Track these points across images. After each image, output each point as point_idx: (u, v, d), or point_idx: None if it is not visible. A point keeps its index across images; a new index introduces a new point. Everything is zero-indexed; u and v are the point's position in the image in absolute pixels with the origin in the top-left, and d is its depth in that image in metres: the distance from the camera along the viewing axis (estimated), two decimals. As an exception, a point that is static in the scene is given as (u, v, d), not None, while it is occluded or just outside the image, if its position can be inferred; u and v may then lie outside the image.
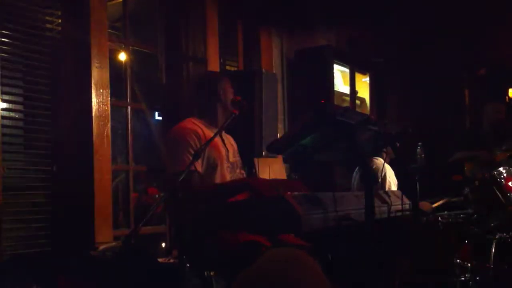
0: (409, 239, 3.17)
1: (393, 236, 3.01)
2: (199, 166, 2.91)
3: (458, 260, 3.61)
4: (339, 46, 6.43)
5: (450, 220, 3.91)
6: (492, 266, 3.78)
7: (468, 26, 6.82)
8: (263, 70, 4.28)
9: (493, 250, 3.83)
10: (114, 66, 4.18)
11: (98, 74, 3.77)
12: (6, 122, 3.50)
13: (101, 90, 3.78)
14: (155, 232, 4.48)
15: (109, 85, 3.85)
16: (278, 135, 4.44)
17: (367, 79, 7.12)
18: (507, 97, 7.41)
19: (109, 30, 4.08)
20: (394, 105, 7.50)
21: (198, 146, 2.89)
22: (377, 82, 7.19)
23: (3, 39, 3.48)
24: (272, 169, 4.84)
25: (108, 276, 3.24)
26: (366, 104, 7.08)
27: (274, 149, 3.04)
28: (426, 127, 6.71)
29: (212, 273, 3.03)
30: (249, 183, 2.86)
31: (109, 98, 3.85)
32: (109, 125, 3.82)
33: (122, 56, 4.38)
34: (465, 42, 7.04)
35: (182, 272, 3.21)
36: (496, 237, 3.93)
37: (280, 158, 5.00)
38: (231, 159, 3.15)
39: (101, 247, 3.51)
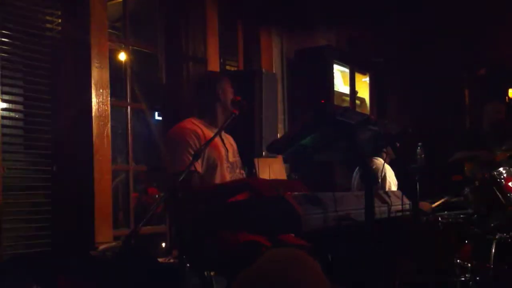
0: (409, 239, 3.17)
1: (393, 236, 3.01)
2: (199, 166, 2.91)
3: (458, 260, 3.61)
4: (339, 46, 6.43)
5: (450, 220, 3.91)
6: (492, 266, 3.78)
7: (468, 26, 6.82)
8: (263, 70, 4.28)
9: (493, 250, 3.83)
10: (114, 66, 4.18)
11: (98, 74, 3.77)
12: (6, 122, 3.50)
13: (101, 90, 3.78)
14: (155, 232, 4.48)
15: (109, 85, 3.85)
16: (278, 135, 4.44)
17: (367, 79, 7.12)
18: (507, 97, 7.41)
19: (109, 30, 4.08)
20: (394, 105, 7.50)
21: (198, 146, 2.89)
22: (377, 82, 7.19)
23: (3, 39, 3.48)
24: (272, 169, 4.85)
25: (108, 276, 3.24)
26: (366, 104, 7.08)
27: (274, 149, 3.04)
28: (426, 127, 6.71)
29: (212, 273, 3.03)
30: (249, 183, 2.86)
31: (109, 98, 3.85)
32: (109, 125, 3.82)
33: (122, 56, 4.38)
34: (465, 42, 7.04)
35: (182, 272, 3.21)
36: (496, 237, 3.93)
37: (280, 158, 5.00)
38: (230, 159, 3.15)
39: (101, 247, 3.51)
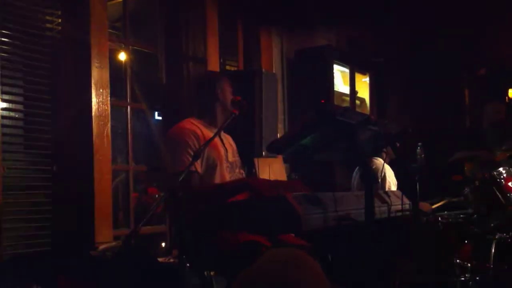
0: (409, 239, 3.17)
1: (393, 236, 3.01)
2: (198, 166, 2.91)
3: (458, 260, 3.61)
4: (339, 46, 6.43)
5: (450, 220, 3.91)
6: (492, 266, 3.78)
7: (468, 26, 6.82)
8: (263, 70, 4.29)
9: (493, 250, 3.83)
10: (114, 66, 4.18)
11: (98, 74, 3.77)
12: (6, 122, 3.50)
13: (101, 90, 3.78)
14: (155, 232, 4.48)
15: (109, 85, 3.85)
16: (278, 135, 4.44)
17: (367, 79, 7.12)
18: (507, 97, 7.41)
19: (109, 30, 4.08)
20: (394, 105, 7.50)
21: (197, 146, 2.89)
22: (377, 82, 7.19)
23: (3, 39, 3.48)
24: (272, 169, 4.85)
25: (108, 276, 3.24)
26: (366, 104, 7.08)
27: (274, 149, 3.04)
28: (426, 127, 6.71)
29: (212, 273, 3.03)
30: (249, 183, 2.86)
31: (109, 98, 3.85)
32: (109, 125, 3.82)
33: (122, 56, 4.38)
34: (465, 42, 7.04)
35: (182, 272, 3.21)
36: (496, 237, 3.93)
37: (280, 158, 5.00)
38: (230, 159, 3.15)
39: (101, 247, 3.51)
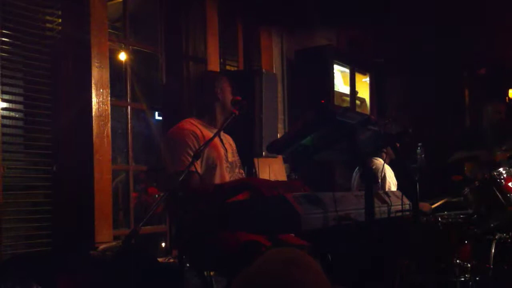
0: (409, 239, 3.17)
1: (393, 236, 3.01)
2: (198, 166, 2.91)
3: (458, 260, 3.61)
4: (340, 46, 6.43)
5: (450, 220, 3.92)
6: (492, 266, 3.78)
7: (468, 26, 6.82)
8: (263, 70, 4.29)
9: (493, 250, 3.83)
10: (114, 65, 4.18)
11: (98, 74, 3.77)
12: (6, 121, 3.50)
13: (101, 90, 3.78)
14: (155, 232, 4.49)
15: (109, 85, 3.85)
16: (278, 135, 4.44)
17: (367, 79, 7.12)
18: (507, 97, 7.41)
19: (109, 30, 4.08)
20: (394, 105, 7.51)
21: (197, 146, 2.89)
22: (377, 82, 7.19)
23: (3, 39, 3.48)
24: (272, 169, 4.85)
25: (108, 276, 3.24)
26: (366, 104, 7.08)
27: (274, 149, 3.04)
28: (426, 127, 6.71)
29: (212, 273, 3.03)
30: (249, 183, 2.86)
31: (109, 98, 3.85)
32: (109, 124, 3.82)
33: (122, 56, 4.38)
34: (465, 42, 7.04)
35: (182, 272, 3.21)
36: (496, 237, 3.93)
37: (280, 158, 5.00)
38: (230, 159, 3.15)
39: (101, 247, 3.51)
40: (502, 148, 5.13)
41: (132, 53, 4.42)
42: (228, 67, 5.25)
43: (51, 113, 3.72)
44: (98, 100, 3.76)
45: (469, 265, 3.64)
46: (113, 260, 3.36)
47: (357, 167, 4.84)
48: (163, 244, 4.49)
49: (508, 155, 4.88)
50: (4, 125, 3.46)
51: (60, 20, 3.81)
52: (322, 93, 5.73)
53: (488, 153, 5.33)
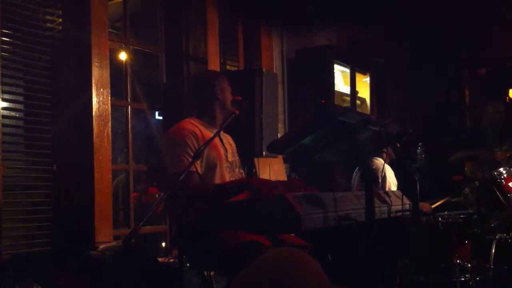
0: (409, 239, 3.17)
1: (393, 236, 3.01)
2: (198, 166, 2.90)
3: (458, 260, 3.61)
4: (340, 46, 6.43)
5: (450, 220, 3.92)
6: (492, 266, 3.78)
7: (469, 25, 6.82)
8: (264, 70, 4.28)
9: (493, 250, 3.83)
10: (115, 65, 4.18)
11: (99, 74, 3.77)
12: (6, 121, 3.50)
13: (101, 90, 3.78)
14: (155, 232, 4.49)
15: (109, 85, 3.85)
16: (278, 135, 4.45)
17: (367, 79, 7.13)
18: (507, 97, 7.42)
19: (110, 30, 4.08)
20: (394, 105, 7.51)
21: (196, 146, 2.88)
22: (377, 82, 7.19)
23: (3, 39, 3.47)
24: (272, 169, 4.85)
25: (108, 276, 3.24)
26: (366, 104, 7.09)
27: (275, 148, 3.04)
28: (426, 127, 6.72)
29: (212, 273, 3.03)
30: (249, 183, 2.86)
31: (110, 98, 3.84)
32: (109, 124, 3.82)
33: (123, 56, 4.38)
34: (465, 41, 7.04)
35: (182, 272, 3.21)
36: (496, 237, 3.93)
37: (280, 158, 5.00)
38: (230, 159, 3.15)
39: (101, 247, 3.51)
40: (502, 148, 5.13)
41: (132, 53, 4.42)
42: (228, 67, 5.25)
43: (51, 113, 3.72)
44: (99, 100, 3.76)
45: (469, 265, 3.64)
46: (113, 260, 3.36)
47: (357, 167, 4.84)
48: (163, 244, 4.49)
49: (508, 155, 4.89)
50: (4, 125, 3.45)
51: (60, 20, 3.80)
52: (323, 93, 5.73)
53: (488, 153, 5.33)
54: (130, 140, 4.21)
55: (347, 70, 6.52)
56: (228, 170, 3.10)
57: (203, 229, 2.75)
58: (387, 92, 7.42)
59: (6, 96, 3.50)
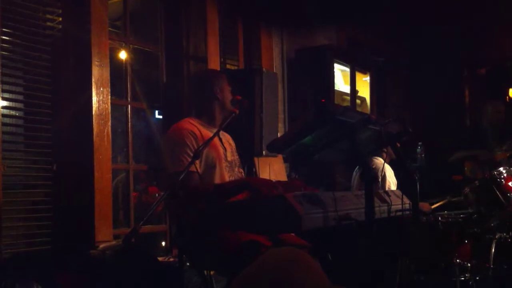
0: (409, 238, 3.17)
1: (393, 235, 3.01)
2: (197, 166, 2.90)
3: (458, 260, 3.61)
4: (340, 46, 6.43)
5: (450, 219, 3.92)
6: (492, 266, 3.78)
7: (468, 25, 6.82)
8: (264, 69, 4.28)
9: (493, 250, 3.83)
10: (115, 64, 4.18)
11: (99, 73, 3.77)
12: (6, 120, 3.50)
13: (101, 89, 3.78)
14: (155, 231, 4.49)
15: (109, 84, 3.84)
16: (278, 134, 4.45)
17: (367, 78, 7.12)
18: (507, 97, 7.42)
19: (110, 29, 4.08)
20: (394, 104, 7.51)
21: (196, 146, 2.88)
22: (377, 82, 7.19)
23: (3, 37, 3.47)
24: (272, 168, 4.85)
25: (108, 275, 3.24)
26: (366, 103, 7.09)
27: (275, 148, 3.04)
28: (426, 126, 6.72)
29: (212, 272, 3.03)
30: (249, 183, 2.85)
31: (110, 97, 3.84)
32: (109, 123, 3.82)
33: (123, 55, 4.38)
34: (465, 41, 7.04)
35: (182, 271, 3.21)
36: (496, 237, 3.94)
37: (280, 157, 5.00)
38: (229, 158, 3.14)
39: (101, 246, 3.51)
40: (502, 148, 5.14)
41: (132, 52, 4.42)
42: (228, 66, 5.24)
43: (51, 112, 3.72)
44: (98, 99, 3.76)
45: (469, 264, 3.65)
46: (113, 259, 3.36)
47: (357, 167, 4.84)
48: (163, 243, 4.49)
49: (508, 154, 4.89)
50: (4, 124, 3.45)
51: (60, 19, 3.80)
52: (323, 92, 5.73)
53: (488, 153, 5.33)
54: (130, 139, 4.21)
55: (347, 69, 6.51)
56: (228, 169, 3.09)
57: (203, 228, 2.75)
58: (387, 92, 7.42)
59: (6, 95, 3.50)
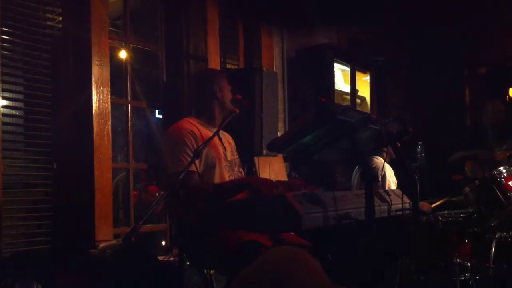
0: (409, 238, 3.17)
1: (393, 235, 3.01)
2: (197, 166, 2.90)
3: (458, 259, 3.61)
4: (340, 45, 6.43)
5: (450, 219, 3.92)
6: (492, 265, 3.78)
7: (469, 25, 6.82)
8: (264, 68, 4.28)
9: (493, 249, 3.83)
10: (115, 63, 4.18)
11: (99, 72, 3.77)
12: (6, 119, 3.50)
13: (101, 88, 3.78)
14: (155, 230, 4.49)
15: (109, 83, 3.84)
16: (279, 133, 4.44)
17: (367, 77, 7.12)
18: (507, 96, 7.42)
19: (110, 28, 4.08)
20: (394, 104, 7.51)
21: (195, 146, 2.88)
22: (377, 81, 7.19)
23: (4, 37, 3.47)
24: (272, 167, 4.85)
25: (108, 274, 3.24)
26: (366, 103, 7.08)
27: (275, 147, 3.03)
28: (426, 126, 6.72)
29: (212, 271, 3.03)
30: (249, 183, 2.85)
31: (110, 96, 3.84)
32: (109, 123, 3.82)
33: (123, 54, 4.37)
34: (465, 41, 7.04)
35: (182, 270, 3.21)
36: (496, 236, 3.94)
37: (280, 156, 5.00)
38: (229, 158, 3.14)
39: (101, 245, 3.51)
40: (502, 147, 5.14)
41: (132, 51, 4.42)
42: (228, 66, 5.24)
43: (51, 111, 3.72)
44: (99, 98, 3.76)
45: (469, 264, 3.65)
46: (113, 258, 3.36)
47: (357, 166, 4.84)
48: (163, 243, 4.49)
49: (508, 154, 4.89)
50: (4, 123, 3.45)
51: (60, 18, 3.80)
52: (323, 91, 5.73)
53: (488, 152, 5.33)
54: (130, 138, 4.21)
55: (347, 69, 6.51)
56: (227, 169, 3.09)
57: (203, 228, 2.75)
58: (387, 91, 7.42)
59: (6, 95, 3.50)
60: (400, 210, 2.97)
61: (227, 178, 3.04)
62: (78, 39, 3.77)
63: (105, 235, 3.69)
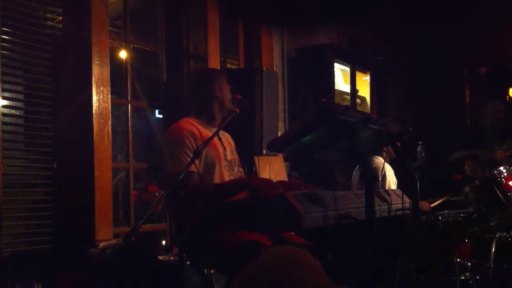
0: (409, 237, 3.17)
1: (393, 235, 3.01)
2: (197, 166, 2.89)
3: (458, 259, 3.62)
4: (340, 45, 6.43)
5: (451, 219, 3.92)
6: (492, 265, 3.78)
7: (469, 25, 6.82)
8: (264, 68, 4.28)
9: (493, 249, 3.84)
10: (115, 63, 4.18)
11: (99, 72, 3.77)
12: (6, 119, 3.50)
13: (101, 88, 3.78)
14: (155, 230, 4.49)
15: (109, 83, 3.84)
16: (279, 133, 4.44)
17: (367, 77, 7.13)
18: (507, 96, 7.42)
19: (110, 28, 4.08)
20: (394, 104, 7.51)
21: (195, 146, 2.87)
22: (378, 81, 7.19)
23: (4, 37, 3.47)
24: (272, 167, 4.85)
25: (108, 274, 3.24)
26: (366, 103, 7.09)
27: (275, 147, 3.04)
28: (426, 126, 6.72)
29: (212, 271, 3.03)
30: (248, 183, 2.85)
31: (110, 96, 3.84)
32: (109, 122, 3.82)
33: (123, 54, 4.37)
34: (465, 41, 7.04)
35: (182, 270, 3.21)
36: (496, 236, 3.94)
37: (280, 156, 5.00)
38: (229, 157, 3.14)
39: (101, 245, 3.51)
40: (502, 147, 5.14)
41: (132, 51, 4.42)
42: (228, 65, 5.25)
43: (52, 111, 3.72)
44: (99, 98, 3.76)
45: (469, 263, 3.65)
46: (113, 258, 3.36)
47: (358, 166, 4.84)
48: (163, 242, 4.50)
49: (508, 153, 4.89)
50: (4, 123, 3.45)
51: (60, 18, 3.80)
52: (323, 91, 5.73)
53: (489, 152, 5.33)
54: (130, 138, 4.21)
55: (347, 69, 6.51)
56: (227, 168, 3.09)
57: (203, 228, 2.75)
58: (387, 91, 7.42)
59: (6, 94, 3.50)
60: (400, 210, 2.97)
61: (227, 178, 3.04)
62: (78, 39, 3.77)
63: (105, 235, 3.69)
